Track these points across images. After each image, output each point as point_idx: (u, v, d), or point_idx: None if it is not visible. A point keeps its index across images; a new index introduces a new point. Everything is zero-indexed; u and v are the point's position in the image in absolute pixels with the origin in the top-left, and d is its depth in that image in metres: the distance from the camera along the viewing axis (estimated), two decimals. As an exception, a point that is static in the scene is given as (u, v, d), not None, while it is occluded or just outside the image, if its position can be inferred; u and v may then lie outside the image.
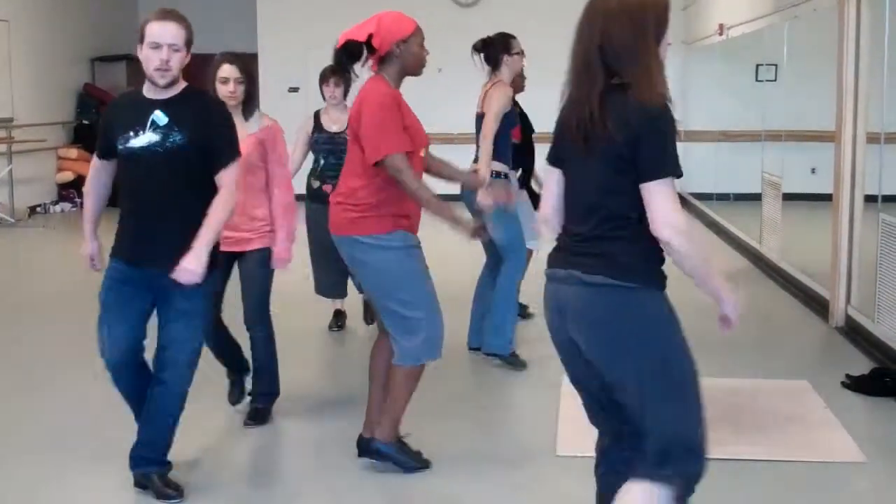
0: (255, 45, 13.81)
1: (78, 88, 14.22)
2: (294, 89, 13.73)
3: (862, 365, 5.55)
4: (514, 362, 5.69)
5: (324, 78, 6.11)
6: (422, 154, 4.00)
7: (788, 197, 8.41)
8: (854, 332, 6.27)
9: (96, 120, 13.96)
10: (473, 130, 5.62)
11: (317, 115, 6.24)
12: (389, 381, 4.08)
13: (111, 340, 3.79)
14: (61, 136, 13.86)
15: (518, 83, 5.90)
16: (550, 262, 2.83)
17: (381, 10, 3.92)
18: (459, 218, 3.93)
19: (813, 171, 9.91)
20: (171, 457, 3.92)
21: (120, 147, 3.72)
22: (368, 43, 3.89)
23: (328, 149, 6.08)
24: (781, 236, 8.41)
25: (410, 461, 4.14)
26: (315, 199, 6.04)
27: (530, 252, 5.96)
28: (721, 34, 10.81)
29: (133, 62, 14.86)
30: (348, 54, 3.92)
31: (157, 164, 3.67)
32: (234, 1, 14.70)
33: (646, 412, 2.68)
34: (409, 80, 4.03)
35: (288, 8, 13.93)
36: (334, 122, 6.13)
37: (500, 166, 5.51)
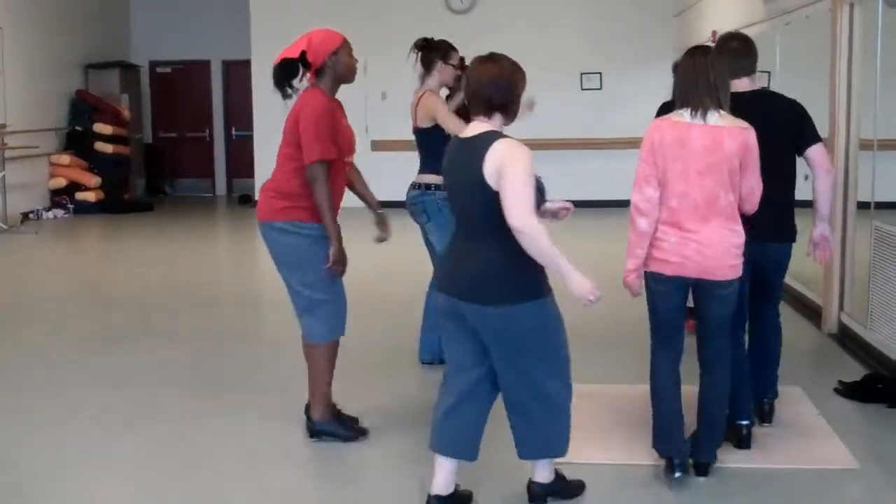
0: (249, 51, 13.82)
1: (71, 95, 14.20)
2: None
3: (855, 371, 5.55)
4: None
5: None
6: (347, 160, 4.43)
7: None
8: (847, 339, 6.27)
9: (89, 126, 13.97)
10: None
11: None
12: (307, 361, 4.48)
13: None
14: (54, 142, 13.84)
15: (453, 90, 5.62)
16: None
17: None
18: (337, 242, 4.25)
19: (806, 177, 9.93)
20: None
21: None
22: (304, 59, 4.30)
23: None
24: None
25: (348, 432, 4.53)
26: None
27: None
28: (714, 41, 10.83)
29: (126, 69, 14.90)
30: (285, 71, 4.31)
31: None
32: (229, 7, 14.71)
33: None
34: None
35: (281, 14, 13.91)
36: None
37: (435, 178, 5.21)
